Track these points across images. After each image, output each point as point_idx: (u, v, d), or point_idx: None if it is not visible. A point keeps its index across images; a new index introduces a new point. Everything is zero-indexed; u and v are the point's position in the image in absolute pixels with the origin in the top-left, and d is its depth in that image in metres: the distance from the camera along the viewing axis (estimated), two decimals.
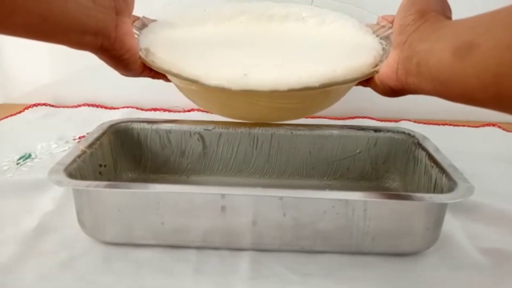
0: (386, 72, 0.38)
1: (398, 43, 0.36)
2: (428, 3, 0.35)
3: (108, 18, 0.37)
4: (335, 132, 0.52)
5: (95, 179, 0.46)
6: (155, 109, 0.77)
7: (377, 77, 0.40)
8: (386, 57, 0.40)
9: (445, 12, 0.35)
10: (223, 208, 0.37)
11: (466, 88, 0.27)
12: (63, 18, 0.32)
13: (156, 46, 0.44)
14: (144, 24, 0.48)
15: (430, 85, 0.32)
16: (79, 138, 0.63)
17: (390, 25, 0.43)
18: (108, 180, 0.48)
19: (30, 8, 0.29)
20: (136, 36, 0.43)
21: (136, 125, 0.53)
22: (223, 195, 0.36)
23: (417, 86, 0.34)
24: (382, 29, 0.46)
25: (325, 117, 0.72)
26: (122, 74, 0.43)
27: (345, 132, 0.52)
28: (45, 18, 0.31)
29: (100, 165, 0.48)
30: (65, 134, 0.64)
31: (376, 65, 0.42)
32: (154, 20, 0.49)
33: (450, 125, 0.74)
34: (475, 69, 0.26)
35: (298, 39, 0.50)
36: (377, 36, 0.46)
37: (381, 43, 0.45)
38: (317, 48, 0.47)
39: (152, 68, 0.42)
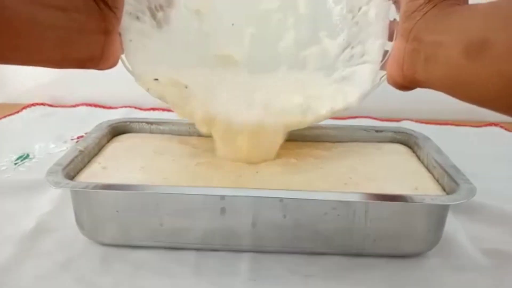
0: (392, 65, 0.35)
1: (403, 32, 0.33)
2: None
3: (95, 43, 0.33)
4: (337, 132, 0.52)
5: None
6: (154, 109, 0.76)
7: (386, 71, 0.37)
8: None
9: None
10: (222, 210, 0.36)
11: (479, 91, 0.25)
12: (39, 49, 0.29)
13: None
14: None
15: (440, 85, 0.30)
16: (77, 138, 0.63)
17: None
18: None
19: None
20: None
21: (134, 125, 0.53)
22: (222, 197, 0.36)
23: (426, 84, 0.32)
24: None
25: None
26: None
27: (346, 132, 0.52)
28: (17, 49, 0.28)
29: None
30: (63, 134, 0.64)
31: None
32: None
33: (452, 125, 0.74)
34: (488, 71, 0.24)
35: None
36: None
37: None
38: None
39: None
